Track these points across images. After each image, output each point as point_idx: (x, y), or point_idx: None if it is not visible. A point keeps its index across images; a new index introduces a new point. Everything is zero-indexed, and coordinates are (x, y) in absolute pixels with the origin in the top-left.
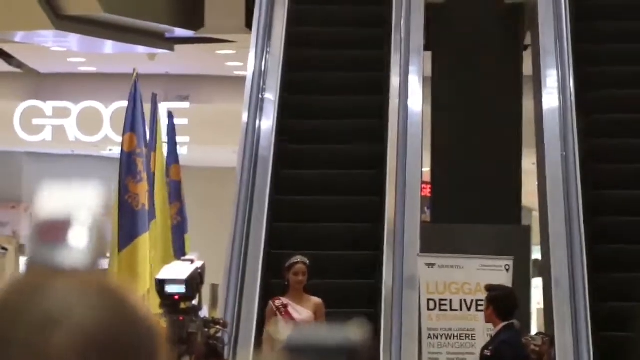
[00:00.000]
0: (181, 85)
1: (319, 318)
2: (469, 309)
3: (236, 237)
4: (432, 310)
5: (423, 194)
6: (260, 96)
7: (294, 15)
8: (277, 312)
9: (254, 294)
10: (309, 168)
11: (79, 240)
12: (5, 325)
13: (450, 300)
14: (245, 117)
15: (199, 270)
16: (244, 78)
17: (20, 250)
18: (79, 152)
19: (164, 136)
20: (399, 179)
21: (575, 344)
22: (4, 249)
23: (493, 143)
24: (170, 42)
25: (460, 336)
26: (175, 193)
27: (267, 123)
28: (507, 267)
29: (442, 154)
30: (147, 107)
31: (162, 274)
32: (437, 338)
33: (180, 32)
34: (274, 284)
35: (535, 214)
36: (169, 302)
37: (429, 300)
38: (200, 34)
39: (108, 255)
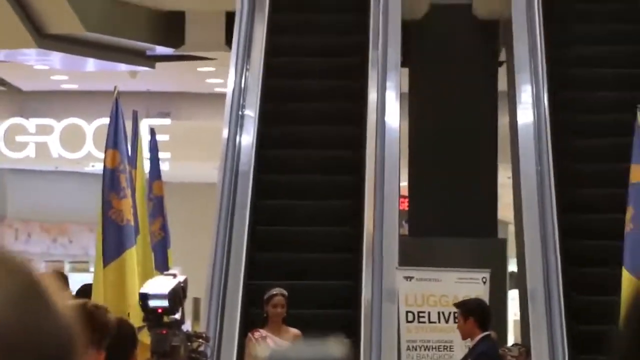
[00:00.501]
0: (162, 102)
1: None
2: (447, 321)
3: (217, 252)
4: (410, 322)
5: (401, 207)
6: (240, 112)
7: (274, 30)
8: (255, 343)
9: (236, 308)
10: (290, 173)
11: None
12: None
13: (429, 313)
14: (225, 133)
15: (182, 285)
16: (224, 95)
17: None
18: (62, 168)
19: (145, 152)
20: (377, 194)
21: (550, 355)
22: None
23: (469, 157)
24: (151, 60)
25: (438, 348)
26: (158, 209)
27: (248, 138)
28: (484, 280)
29: (420, 169)
30: (129, 124)
31: (145, 288)
32: (415, 350)
33: (161, 49)
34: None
35: (511, 227)
36: (152, 315)
37: (407, 312)
38: (181, 51)
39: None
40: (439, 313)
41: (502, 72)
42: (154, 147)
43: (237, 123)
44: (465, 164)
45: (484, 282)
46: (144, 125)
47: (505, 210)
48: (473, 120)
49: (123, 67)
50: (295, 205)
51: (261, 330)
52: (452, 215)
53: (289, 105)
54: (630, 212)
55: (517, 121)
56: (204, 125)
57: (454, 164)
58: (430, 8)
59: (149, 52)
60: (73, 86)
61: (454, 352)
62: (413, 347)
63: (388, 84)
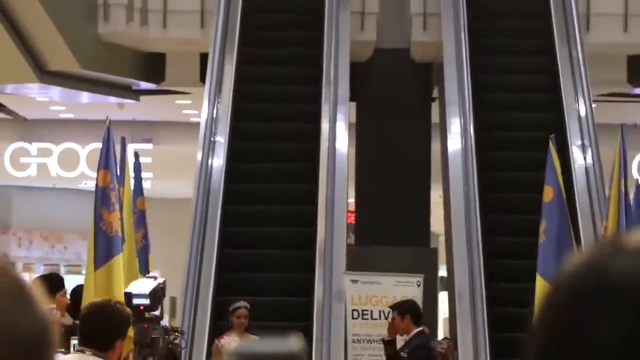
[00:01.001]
0: (145, 129)
1: None
2: (387, 318)
3: (192, 256)
4: (355, 319)
5: (348, 221)
6: (212, 139)
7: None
8: (221, 350)
9: (207, 306)
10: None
11: None
12: None
13: (371, 311)
14: (199, 156)
15: (161, 285)
16: (198, 124)
17: None
18: (59, 185)
19: (131, 172)
20: (328, 209)
21: (474, 347)
22: None
23: (407, 179)
24: (136, 94)
25: (379, 341)
26: (141, 220)
27: (218, 162)
28: (419, 283)
29: (365, 188)
30: (117, 148)
31: (130, 288)
32: (360, 342)
33: (144, 85)
34: (228, 278)
35: (442, 238)
36: (135, 312)
37: (353, 310)
38: (162, 86)
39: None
40: (380, 311)
41: (435, 106)
42: (137, 168)
43: (209, 148)
44: (403, 184)
45: (418, 285)
46: (130, 149)
47: (437, 224)
48: (410, 147)
49: (112, 99)
50: (261, 209)
51: (226, 337)
52: (391, 228)
53: (254, 135)
54: (543, 226)
55: (447, 148)
56: (181, 150)
57: (394, 184)
58: (374, 52)
59: (134, 87)
60: (69, 115)
61: None
62: (357, 340)
63: (338, 115)
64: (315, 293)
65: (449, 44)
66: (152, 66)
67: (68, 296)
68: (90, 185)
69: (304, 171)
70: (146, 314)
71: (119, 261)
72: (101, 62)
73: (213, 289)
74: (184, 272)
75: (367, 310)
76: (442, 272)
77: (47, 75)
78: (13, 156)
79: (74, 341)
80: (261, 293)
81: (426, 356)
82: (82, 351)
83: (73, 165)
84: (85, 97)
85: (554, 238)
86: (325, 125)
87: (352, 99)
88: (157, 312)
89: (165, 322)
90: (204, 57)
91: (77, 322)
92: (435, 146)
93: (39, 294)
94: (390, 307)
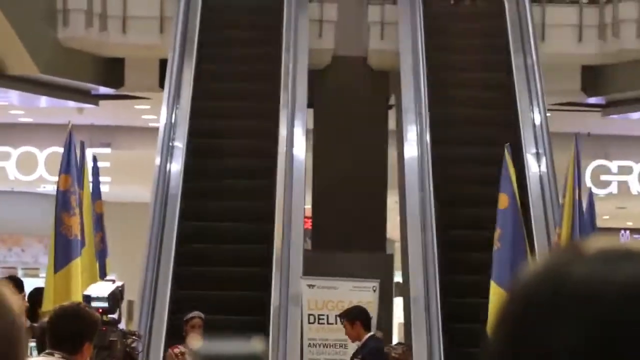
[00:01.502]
0: (104, 134)
1: None
2: (342, 323)
3: (149, 260)
4: (312, 323)
5: (305, 226)
6: (170, 144)
7: (200, 75)
8: (176, 359)
9: (164, 310)
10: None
11: None
12: None
13: (327, 316)
14: (158, 161)
15: (119, 289)
16: (157, 128)
17: None
18: (17, 189)
19: (89, 176)
20: (284, 214)
21: (428, 351)
22: None
23: (363, 185)
24: (95, 98)
25: (335, 345)
26: (99, 224)
27: (176, 166)
28: (374, 288)
29: (321, 194)
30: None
31: (89, 291)
32: (315, 347)
33: (104, 90)
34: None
35: (397, 244)
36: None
37: (309, 315)
38: (121, 91)
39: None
40: (336, 316)
41: (391, 113)
42: (96, 172)
43: (167, 153)
44: (359, 190)
45: (374, 290)
46: (89, 153)
47: (393, 230)
48: (367, 153)
49: (71, 104)
50: (215, 219)
51: (180, 347)
52: (348, 233)
53: (212, 139)
54: (497, 233)
55: (404, 155)
56: (139, 155)
57: (351, 190)
58: (332, 59)
59: (93, 92)
60: (28, 119)
61: (348, 349)
62: (313, 344)
63: (296, 122)
64: (272, 297)
65: (406, 53)
66: (112, 71)
67: (26, 299)
68: (49, 188)
69: (261, 176)
70: (104, 317)
71: (77, 265)
72: (60, 67)
73: (170, 293)
74: (141, 275)
75: (323, 315)
76: (398, 277)
77: (6, 80)
78: None
79: (32, 344)
80: (217, 303)
81: (381, 357)
82: (52, 354)
83: (31, 169)
84: (44, 101)
85: (508, 245)
86: (283, 132)
87: (309, 105)
88: (115, 316)
89: (122, 325)
90: (163, 63)
91: (35, 324)
92: (392, 153)
93: (10, 296)
94: (339, 315)
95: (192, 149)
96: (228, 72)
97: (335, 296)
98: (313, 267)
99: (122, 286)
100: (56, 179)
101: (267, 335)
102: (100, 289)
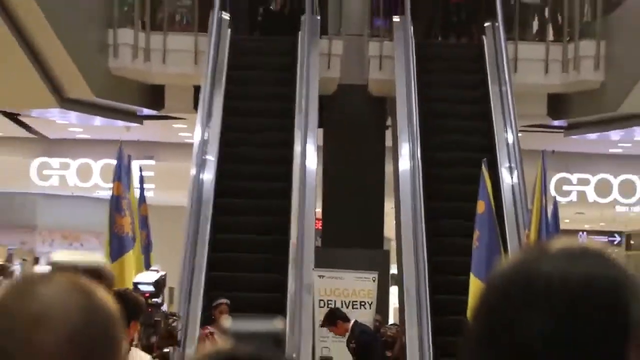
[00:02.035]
0: (148, 148)
1: None
2: (347, 308)
3: (187, 253)
4: (322, 307)
5: (316, 227)
6: (203, 157)
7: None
8: (206, 338)
9: (199, 296)
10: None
11: None
12: (3, 321)
13: (335, 301)
14: (193, 171)
15: (162, 277)
16: (192, 144)
17: (35, 261)
18: (76, 193)
19: (136, 184)
20: (299, 217)
21: (419, 332)
22: (24, 259)
23: (364, 193)
24: (140, 118)
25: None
26: (144, 224)
27: (208, 175)
28: (374, 279)
29: (330, 200)
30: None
31: (137, 279)
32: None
33: (147, 111)
34: (216, 277)
35: (393, 243)
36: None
37: (320, 300)
38: (161, 112)
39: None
40: (342, 302)
41: (388, 133)
42: (141, 181)
43: (201, 164)
44: (361, 197)
45: (374, 281)
46: (135, 165)
47: (389, 230)
48: (368, 166)
49: (120, 123)
50: (241, 220)
51: (209, 328)
52: (351, 233)
53: (238, 154)
54: (476, 234)
55: (398, 168)
56: (177, 166)
57: (354, 197)
58: (338, 87)
59: (138, 113)
60: (85, 136)
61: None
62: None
63: (308, 139)
64: (288, 286)
65: (401, 82)
66: (154, 95)
67: None
68: (102, 194)
69: (280, 184)
70: (150, 300)
71: (130, 257)
72: (111, 92)
73: (205, 279)
74: (180, 267)
75: (331, 300)
76: (393, 270)
77: (66, 102)
78: (38, 169)
79: None
80: (243, 289)
81: (372, 340)
82: None
83: (88, 177)
84: (97, 120)
85: (485, 244)
86: (297, 148)
87: (320, 125)
88: (159, 299)
89: (165, 308)
90: (197, 89)
91: None
92: (388, 166)
93: (108, 296)
94: (322, 325)
95: (221, 161)
96: (252, 97)
97: (341, 285)
98: (323, 261)
99: (165, 275)
100: (108, 186)
101: (285, 316)
102: (147, 277)
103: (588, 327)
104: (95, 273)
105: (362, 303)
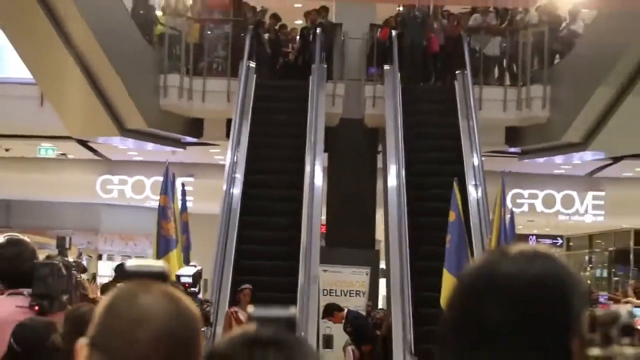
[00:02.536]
0: (189, 168)
1: None
2: (345, 295)
3: (219, 252)
4: (325, 295)
5: (322, 230)
6: (233, 176)
7: (255, 127)
8: (232, 316)
9: (227, 287)
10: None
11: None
12: (110, 319)
13: (335, 290)
14: (224, 187)
15: (199, 271)
16: (224, 165)
17: (99, 258)
18: (132, 204)
19: (179, 196)
20: (308, 222)
21: (402, 316)
22: (89, 256)
23: (360, 204)
24: (183, 144)
25: None
26: (185, 229)
27: (237, 190)
28: (367, 273)
29: (332, 210)
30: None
31: (179, 272)
32: None
33: (189, 139)
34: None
35: (382, 244)
36: (181, 288)
37: (323, 290)
38: (200, 140)
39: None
40: (341, 291)
41: (379, 157)
42: (183, 194)
43: (231, 182)
44: (357, 207)
45: (367, 274)
46: (179, 181)
47: (379, 234)
48: (363, 183)
49: (167, 148)
50: (262, 221)
51: (235, 308)
52: (349, 236)
53: (261, 174)
54: (448, 237)
55: (387, 185)
56: (212, 183)
57: (352, 207)
58: (340, 120)
59: (182, 140)
60: (139, 158)
61: None
62: None
63: (316, 161)
64: (298, 278)
65: (390, 116)
66: (194, 126)
67: None
68: (152, 204)
69: (293, 196)
70: (189, 290)
71: (173, 255)
72: (161, 123)
73: (232, 273)
74: (213, 263)
75: (333, 289)
76: (382, 265)
77: (125, 131)
78: (101, 184)
79: None
80: (265, 275)
81: (363, 319)
82: None
83: (141, 191)
84: (150, 146)
85: (455, 246)
86: (307, 168)
87: (325, 150)
88: (196, 289)
89: (200, 295)
90: (228, 121)
91: None
92: (379, 183)
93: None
94: (322, 318)
95: (248, 179)
96: (273, 126)
97: (340, 277)
98: (326, 258)
99: (201, 269)
100: (157, 198)
101: (296, 303)
102: (187, 271)
103: (539, 317)
104: (161, 276)
105: (357, 292)
